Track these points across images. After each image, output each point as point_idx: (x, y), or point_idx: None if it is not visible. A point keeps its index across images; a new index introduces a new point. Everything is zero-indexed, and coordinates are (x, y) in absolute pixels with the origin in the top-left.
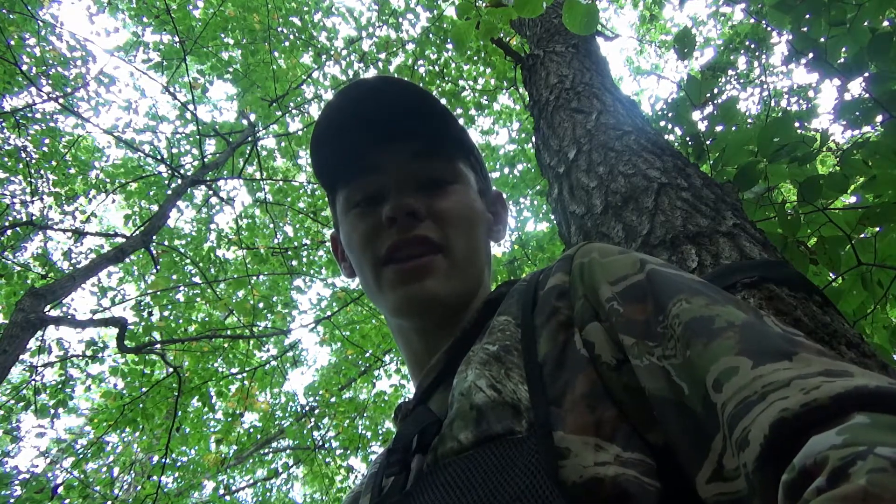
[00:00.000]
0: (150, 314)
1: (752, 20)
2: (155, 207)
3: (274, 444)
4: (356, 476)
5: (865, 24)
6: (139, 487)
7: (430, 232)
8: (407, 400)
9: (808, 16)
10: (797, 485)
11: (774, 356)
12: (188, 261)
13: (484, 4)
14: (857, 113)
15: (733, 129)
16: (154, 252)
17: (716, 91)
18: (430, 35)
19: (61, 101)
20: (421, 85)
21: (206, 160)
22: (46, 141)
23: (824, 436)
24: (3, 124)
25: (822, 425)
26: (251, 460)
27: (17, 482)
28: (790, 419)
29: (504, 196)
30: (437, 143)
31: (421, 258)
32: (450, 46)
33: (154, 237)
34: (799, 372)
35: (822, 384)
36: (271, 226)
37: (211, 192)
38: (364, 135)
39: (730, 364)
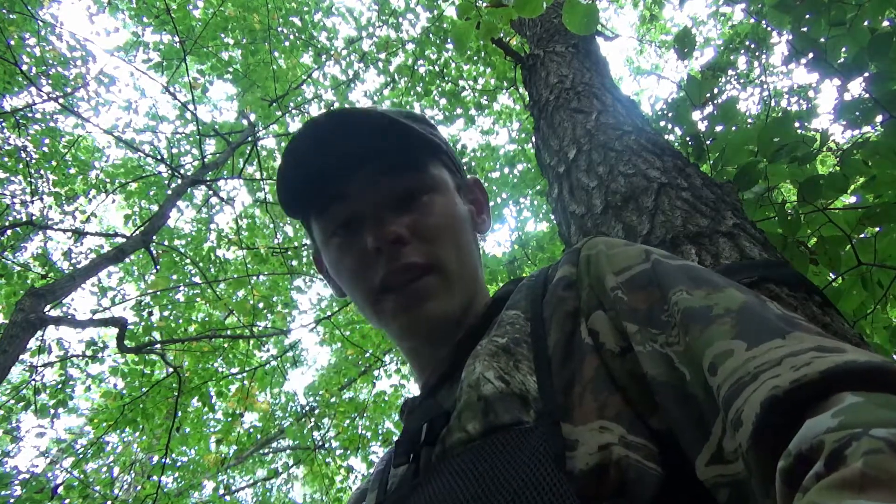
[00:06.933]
0: (150, 314)
1: (752, 20)
2: (155, 207)
3: (274, 444)
4: (356, 476)
5: (865, 24)
6: (139, 487)
7: (418, 256)
8: (413, 396)
9: (808, 16)
10: (795, 470)
11: (769, 336)
12: (188, 261)
13: (484, 4)
14: (857, 113)
15: (733, 129)
16: (154, 252)
17: (716, 91)
18: (430, 35)
19: (61, 101)
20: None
21: (206, 160)
22: (46, 141)
23: (819, 418)
24: (3, 124)
25: (815, 403)
26: (251, 460)
27: (17, 482)
28: (781, 397)
29: (480, 181)
30: (403, 155)
31: (417, 282)
32: (450, 46)
33: (154, 237)
34: (791, 349)
35: (813, 360)
36: (271, 226)
37: (211, 192)
38: (327, 163)
39: (725, 347)
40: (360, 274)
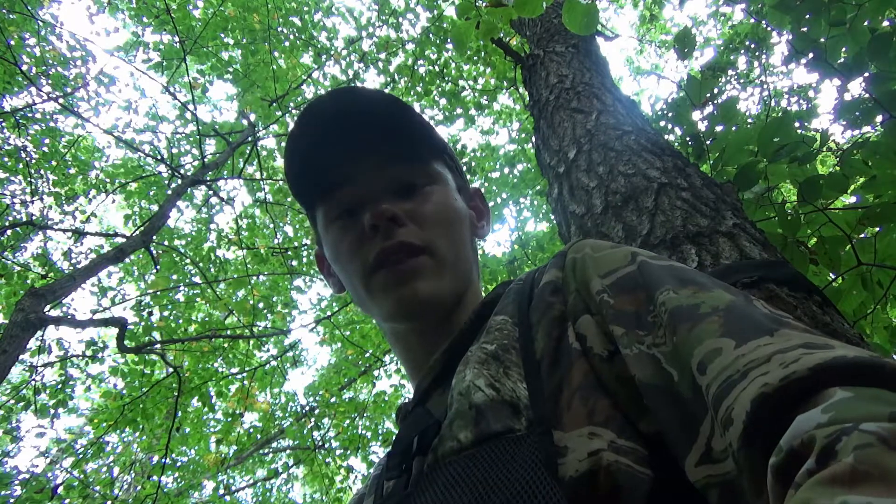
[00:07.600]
0: (150, 314)
1: (752, 20)
2: (155, 207)
3: (274, 444)
4: (356, 476)
5: (865, 24)
6: (139, 487)
7: (412, 237)
8: (407, 401)
9: (808, 16)
10: (786, 467)
11: (757, 334)
12: (188, 261)
13: (484, 4)
14: (857, 113)
15: (733, 129)
16: (154, 252)
17: (716, 91)
18: (430, 35)
19: (61, 101)
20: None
21: (206, 160)
22: (46, 141)
23: (810, 414)
24: (3, 124)
25: (805, 399)
26: (251, 460)
27: (17, 482)
28: (771, 394)
29: (482, 191)
30: (408, 147)
31: (409, 260)
32: (450, 46)
33: (154, 237)
34: (779, 347)
35: (802, 356)
36: (271, 226)
37: (211, 192)
38: (333, 147)
39: (713, 346)
40: (357, 251)
